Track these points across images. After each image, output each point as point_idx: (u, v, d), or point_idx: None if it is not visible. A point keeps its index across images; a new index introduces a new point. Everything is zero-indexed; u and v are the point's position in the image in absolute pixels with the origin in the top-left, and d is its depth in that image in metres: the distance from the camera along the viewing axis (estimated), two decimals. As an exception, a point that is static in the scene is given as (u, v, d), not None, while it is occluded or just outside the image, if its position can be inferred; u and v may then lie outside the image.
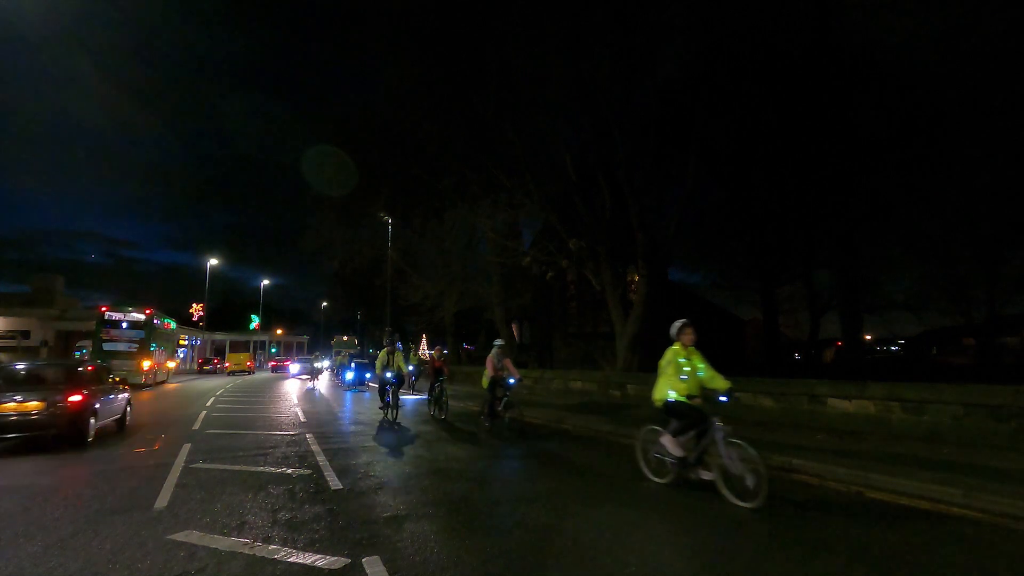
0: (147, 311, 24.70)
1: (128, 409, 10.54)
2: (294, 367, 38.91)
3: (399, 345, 16.37)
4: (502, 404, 9.41)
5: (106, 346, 23.25)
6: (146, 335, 24.21)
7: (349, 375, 22.52)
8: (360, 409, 14.67)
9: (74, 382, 8.44)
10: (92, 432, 8.43)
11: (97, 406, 8.66)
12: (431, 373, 12.10)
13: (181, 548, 3.86)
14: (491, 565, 3.54)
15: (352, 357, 23.50)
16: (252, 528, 4.30)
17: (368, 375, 21.24)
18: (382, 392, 11.74)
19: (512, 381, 9.54)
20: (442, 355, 12.80)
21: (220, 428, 10.33)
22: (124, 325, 23.90)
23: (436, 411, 11.99)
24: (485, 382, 9.60)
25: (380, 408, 11.91)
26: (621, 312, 16.96)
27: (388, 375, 11.35)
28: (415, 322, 41.95)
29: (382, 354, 11.66)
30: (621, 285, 20.64)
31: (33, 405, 7.70)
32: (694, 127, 16.15)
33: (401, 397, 13.15)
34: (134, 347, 23.47)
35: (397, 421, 11.03)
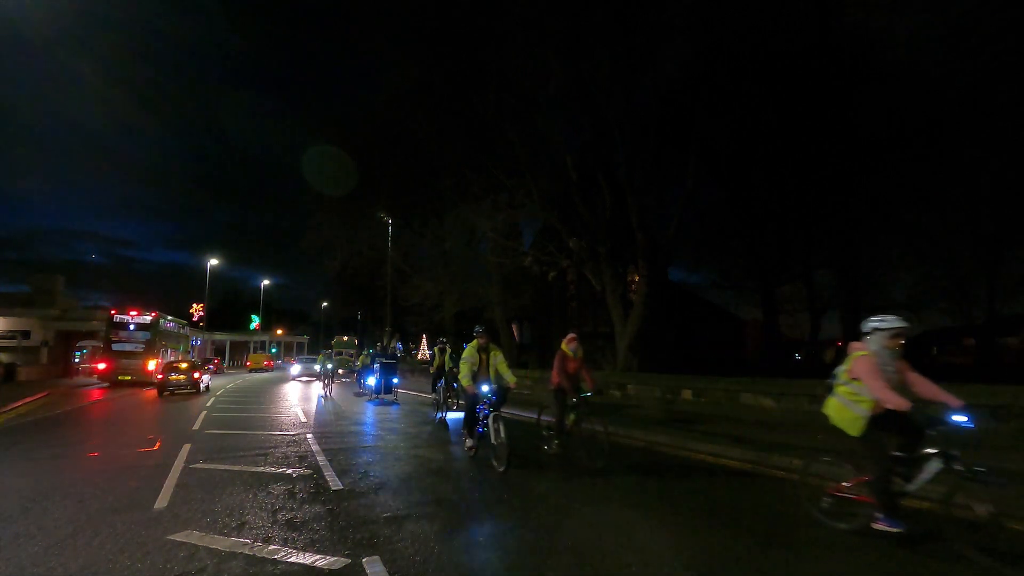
0: (153, 313, 25.62)
1: (209, 381, 22.48)
2: (295, 368, 34.17)
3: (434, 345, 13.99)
4: (922, 474, 3.93)
5: (115, 346, 24.35)
6: (152, 336, 25.08)
7: (371, 380, 17.09)
8: (412, 433, 9.46)
9: (195, 368, 20.10)
10: (202, 388, 19.96)
11: (204, 378, 20.58)
12: (562, 381, 6.93)
13: (181, 548, 3.86)
14: (491, 565, 3.53)
15: (375, 356, 17.60)
16: (252, 528, 4.30)
17: (396, 380, 16.48)
18: (471, 420, 7.14)
19: (961, 419, 3.78)
20: (578, 351, 7.18)
21: (220, 428, 10.33)
22: (131, 327, 24.91)
23: (581, 452, 6.77)
24: (852, 419, 4.16)
25: (468, 449, 7.22)
26: (621, 312, 16.96)
27: (484, 388, 6.79)
28: (415, 322, 41.89)
29: (469, 351, 7.15)
30: (621, 285, 20.65)
31: (183, 378, 19.24)
32: (694, 127, 16.15)
33: (448, 416, 11.32)
34: (140, 347, 24.57)
35: (502, 469, 6.17)
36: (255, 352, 59.38)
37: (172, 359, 23.85)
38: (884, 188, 18.95)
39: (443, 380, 12.27)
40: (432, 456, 7.54)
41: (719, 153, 20.56)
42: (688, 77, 16.50)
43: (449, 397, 12.91)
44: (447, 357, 12.72)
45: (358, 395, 18.52)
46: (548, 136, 18.03)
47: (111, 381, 24.15)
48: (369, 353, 19.32)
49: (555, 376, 7.07)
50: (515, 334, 31.40)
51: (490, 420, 6.60)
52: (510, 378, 7.07)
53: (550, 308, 32.28)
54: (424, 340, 51.22)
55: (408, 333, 52.63)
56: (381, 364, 16.24)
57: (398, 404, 15.26)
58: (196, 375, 19.50)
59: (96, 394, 20.31)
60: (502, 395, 6.87)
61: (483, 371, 7.06)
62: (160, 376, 19.76)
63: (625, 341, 16.52)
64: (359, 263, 29.89)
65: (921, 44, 15.60)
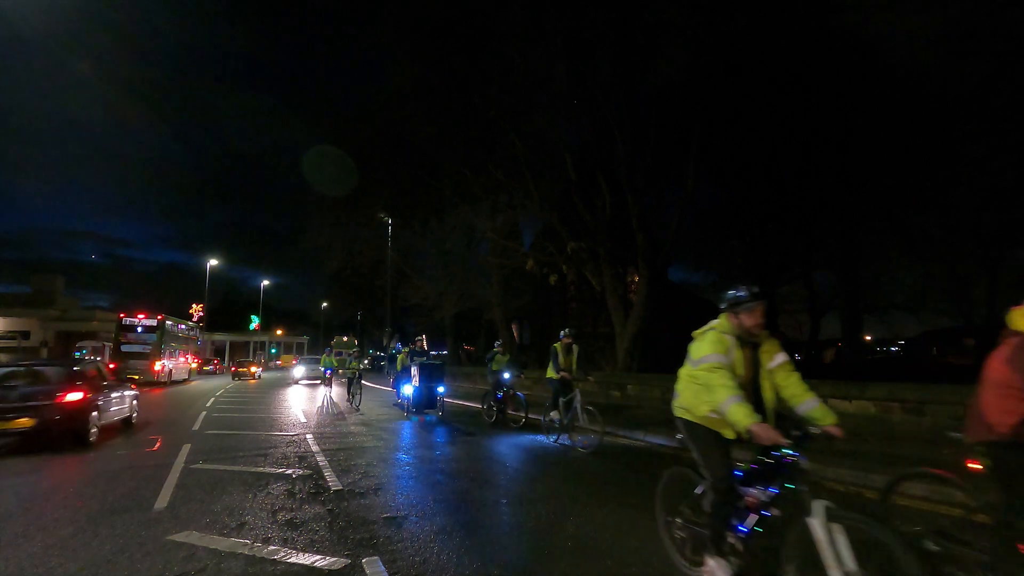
0: (159, 316, 26.93)
1: (261, 372, 35.71)
2: (297, 369, 29.84)
3: (497, 343, 11.49)
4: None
5: (123, 348, 25.60)
6: (158, 338, 26.13)
7: (408, 388, 12.46)
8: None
9: (253, 364, 34.22)
10: (256, 377, 32.14)
11: (258, 371, 34.01)
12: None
13: (181, 548, 3.85)
14: (491, 566, 3.53)
15: (413, 354, 13.19)
16: (252, 528, 4.30)
17: (442, 389, 11.93)
18: (723, 512, 2.90)
19: None
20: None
21: (220, 429, 10.33)
22: (139, 329, 26.09)
23: None
24: None
25: None
26: (621, 312, 16.95)
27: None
28: (415, 323, 41.84)
29: (716, 340, 2.96)
30: (621, 285, 20.64)
31: (245, 370, 31.69)
32: (694, 127, 16.14)
33: (506, 439, 8.58)
34: (147, 348, 25.65)
35: None
36: (236, 352, 64.67)
37: (243, 360, 37.03)
38: (884, 188, 18.95)
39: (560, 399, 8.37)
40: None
41: (719, 153, 20.56)
42: (688, 77, 16.50)
43: (501, 408, 10.39)
44: (574, 358, 8.51)
45: (399, 407, 13.46)
46: (548, 136, 18.04)
47: (120, 380, 24.84)
48: (407, 352, 13.63)
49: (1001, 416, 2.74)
50: (515, 334, 31.42)
51: (817, 522, 2.47)
52: (823, 414, 2.82)
53: (550, 308, 32.28)
54: (424, 340, 51.15)
55: (408, 333, 52.46)
56: (421, 367, 11.92)
57: (442, 430, 10.24)
58: (253, 368, 32.34)
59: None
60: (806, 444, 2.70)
61: (747, 387, 2.97)
62: (234, 368, 32.95)
63: (625, 342, 16.51)
64: (359, 263, 29.92)
65: (921, 44, 15.61)
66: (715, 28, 15.08)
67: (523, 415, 10.15)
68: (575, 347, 8.55)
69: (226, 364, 56.82)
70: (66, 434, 7.95)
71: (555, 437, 8.47)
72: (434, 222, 26.17)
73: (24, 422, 7.56)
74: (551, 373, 8.54)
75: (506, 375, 10.60)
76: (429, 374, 11.94)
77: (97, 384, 8.96)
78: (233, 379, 30.44)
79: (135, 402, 10.92)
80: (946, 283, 21.80)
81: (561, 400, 8.34)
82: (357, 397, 14.44)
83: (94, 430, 8.31)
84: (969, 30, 14.80)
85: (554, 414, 8.53)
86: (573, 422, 8.12)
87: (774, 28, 16.07)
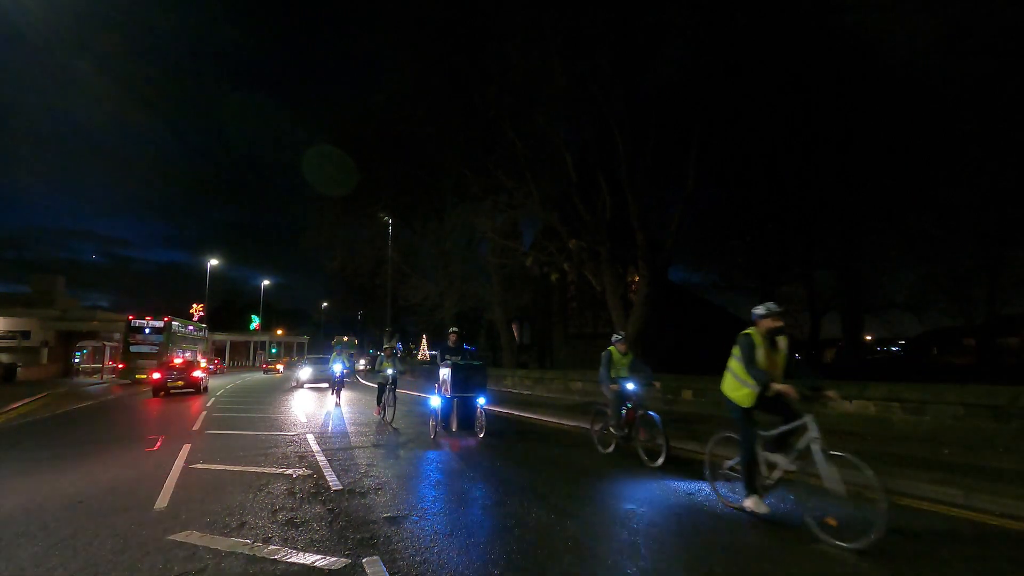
0: (165, 318, 28.36)
1: (283, 368, 43.57)
2: (303, 371, 24.11)
3: (615, 337, 7.53)
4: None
5: (132, 348, 27.15)
6: (164, 338, 27.51)
7: (435, 400, 9.22)
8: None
9: (278, 361, 47.55)
10: (280, 371, 42.02)
11: (280, 367, 44.00)
12: None
13: (181, 548, 3.86)
14: (491, 566, 3.53)
15: (444, 352, 9.65)
16: (252, 528, 4.30)
17: (483, 400, 9.00)
18: None
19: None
20: None
21: (220, 429, 10.33)
22: (146, 331, 27.61)
23: None
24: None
25: None
26: (622, 312, 16.95)
27: None
28: (415, 322, 41.89)
29: None
30: (622, 285, 20.64)
31: (272, 366, 44.32)
32: (694, 127, 16.14)
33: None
34: (154, 349, 27.05)
35: None
36: (237, 352, 70.08)
37: (271, 359, 48.63)
38: (884, 188, 18.96)
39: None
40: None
41: (719, 153, 20.56)
42: (688, 77, 16.50)
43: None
44: (781, 358, 4.48)
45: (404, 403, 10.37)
46: (548, 136, 18.03)
47: (130, 380, 26.93)
48: (445, 354, 9.70)
49: None
50: (515, 334, 31.40)
51: None
52: None
53: (550, 308, 32.27)
54: (424, 340, 51.21)
55: (408, 333, 52.54)
56: (454, 370, 8.89)
57: (480, 473, 6.27)
58: (278, 366, 42.87)
59: (106, 392, 20.31)
60: None
61: None
62: (264, 366, 44.37)
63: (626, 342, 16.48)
64: (359, 263, 29.97)
65: (921, 44, 15.61)
66: (715, 28, 15.06)
67: (662, 444, 6.42)
68: (782, 340, 4.48)
69: (227, 364, 57.34)
70: (194, 389, 19.29)
71: (748, 497, 4.47)
72: (434, 222, 26.19)
73: (180, 383, 18.93)
74: (731, 389, 4.56)
75: (630, 385, 7.12)
76: (465, 379, 8.89)
77: (202, 368, 20.76)
78: (264, 373, 41.39)
79: (209, 378, 23.27)
80: (946, 283, 21.79)
81: (773, 435, 4.44)
82: (391, 409, 11.16)
83: (203, 388, 19.93)
84: (969, 30, 14.79)
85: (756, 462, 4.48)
86: (802, 470, 4.28)
87: (774, 28, 16.06)
